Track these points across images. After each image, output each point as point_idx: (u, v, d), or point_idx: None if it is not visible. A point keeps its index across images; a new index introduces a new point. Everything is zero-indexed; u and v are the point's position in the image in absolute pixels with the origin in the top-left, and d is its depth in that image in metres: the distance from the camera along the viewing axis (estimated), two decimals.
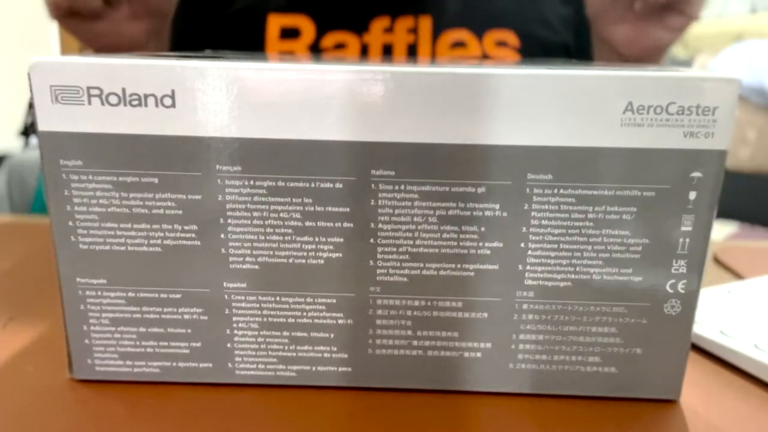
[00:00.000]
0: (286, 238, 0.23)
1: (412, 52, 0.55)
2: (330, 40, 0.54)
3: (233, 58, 0.23)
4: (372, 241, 0.23)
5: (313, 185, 0.22)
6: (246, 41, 0.55)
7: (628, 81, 0.21)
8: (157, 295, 0.24)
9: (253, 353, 0.24)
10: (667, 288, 0.23)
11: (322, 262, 0.23)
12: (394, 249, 0.23)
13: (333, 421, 0.23)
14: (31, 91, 0.21)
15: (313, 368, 0.24)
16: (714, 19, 2.07)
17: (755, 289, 0.34)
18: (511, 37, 0.55)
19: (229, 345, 0.24)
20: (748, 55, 1.56)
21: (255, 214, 0.23)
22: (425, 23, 0.54)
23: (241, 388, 0.25)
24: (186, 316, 0.24)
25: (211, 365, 0.24)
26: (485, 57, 0.54)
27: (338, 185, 0.22)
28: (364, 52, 0.54)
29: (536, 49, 0.56)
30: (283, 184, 0.22)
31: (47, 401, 0.23)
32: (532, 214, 0.22)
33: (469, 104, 0.21)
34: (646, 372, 0.24)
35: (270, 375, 0.25)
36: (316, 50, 0.54)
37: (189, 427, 0.22)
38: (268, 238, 0.23)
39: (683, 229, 0.22)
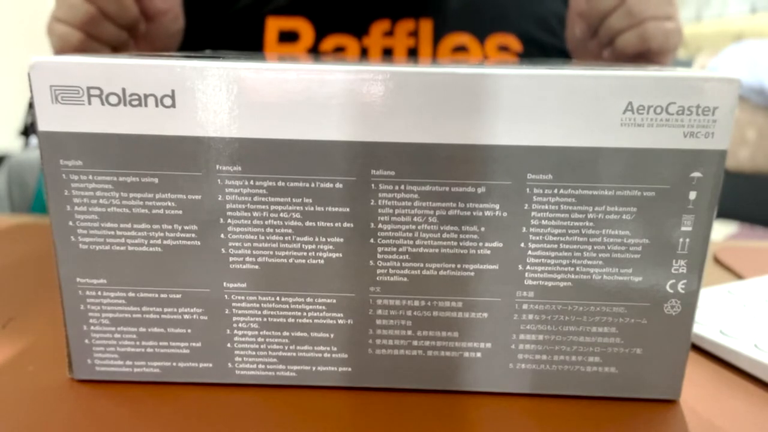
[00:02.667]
0: (286, 238, 0.23)
1: (413, 56, 0.54)
2: (329, 43, 0.54)
3: (233, 58, 0.23)
4: (372, 241, 0.23)
5: (313, 185, 0.22)
6: (244, 44, 0.55)
7: (628, 81, 0.21)
8: (157, 295, 0.24)
9: (253, 353, 0.24)
10: (667, 288, 0.23)
11: (322, 262, 0.23)
12: (394, 249, 0.23)
13: (333, 421, 0.23)
14: (31, 91, 0.21)
15: (313, 368, 0.24)
16: (714, 19, 2.07)
17: (755, 289, 0.34)
18: (513, 42, 0.55)
19: (229, 345, 0.24)
20: (748, 55, 1.56)
21: (255, 214, 0.23)
22: (426, 27, 0.54)
23: (241, 388, 0.25)
24: (186, 316, 0.24)
25: (211, 365, 0.24)
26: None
27: (338, 185, 0.22)
28: (364, 56, 0.54)
29: (538, 53, 0.56)
30: (283, 184, 0.22)
31: (47, 401, 0.23)
32: (532, 214, 0.22)
33: (469, 104, 0.21)
34: (646, 372, 0.24)
35: (270, 375, 0.25)
36: (315, 53, 0.54)
37: (189, 427, 0.22)
38: (268, 238, 0.23)
39: (683, 229, 0.22)
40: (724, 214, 1.48)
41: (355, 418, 0.23)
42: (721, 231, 1.40)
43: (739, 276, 0.39)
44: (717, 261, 0.42)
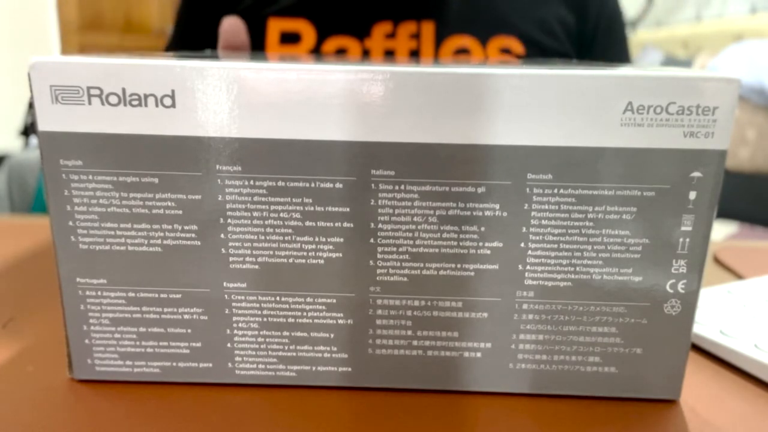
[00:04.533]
0: (286, 238, 0.23)
1: (414, 58, 0.54)
2: (331, 45, 0.54)
3: (233, 58, 0.23)
4: (372, 241, 0.23)
5: (313, 185, 0.22)
6: None
7: (628, 81, 0.21)
8: (157, 295, 0.24)
9: (253, 353, 0.24)
10: (667, 288, 0.23)
11: (322, 262, 0.23)
12: (394, 249, 0.23)
13: (333, 421, 0.23)
14: (31, 91, 0.21)
15: (313, 368, 0.24)
16: (714, 19, 2.07)
17: (755, 289, 0.34)
18: (515, 44, 0.55)
19: (229, 345, 0.24)
20: (748, 55, 1.56)
21: (255, 214, 0.23)
22: (428, 29, 0.54)
23: (241, 388, 0.25)
24: (186, 316, 0.24)
25: (211, 365, 0.24)
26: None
27: (338, 185, 0.22)
28: (366, 58, 0.54)
29: (540, 56, 0.56)
30: (283, 184, 0.22)
31: (47, 401, 0.23)
32: (532, 214, 0.22)
33: (469, 104, 0.21)
34: (646, 372, 0.24)
35: (270, 375, 0.25)
36: (316, 55, 0.54)
37: (189, 428, 0.22)
38: (268, 238, 0.23)
39: (683, 229, 0.22)
40: (724, 214, 1.48)
41: (355, 418, 0.23)
42: (721, 231, 1.40)
43: (739, 276, 0.39)
44: (717, 261, 0.42)
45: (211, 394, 0.24)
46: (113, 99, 0.21)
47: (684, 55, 1.97)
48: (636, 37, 2.26)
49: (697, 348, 0.29)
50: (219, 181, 0.22)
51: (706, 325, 0.29)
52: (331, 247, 0.23)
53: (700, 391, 0.25)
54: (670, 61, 1.94)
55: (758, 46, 1.58)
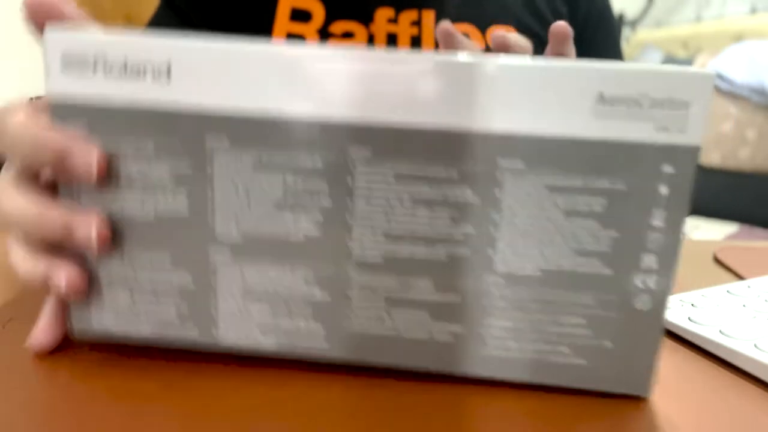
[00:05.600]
0: (267, 212, 0.23)
1: (416, 45, 0.55)
2: (337, 27, 0.54)
3: (228, 38, 0.24)
4: (349, 220, 0.23)
5: (293, 162, 0.23)
6: (255, 18, 0.55)
7: (601, 73, 0.21)
8: (147, 263, 0.24)
9: (236, 322, 0.25)
10: (637, 283, 0.23)
11: (301, 238, 0.23)
12: (370, 229, 0.23)
13: (333, 420, 0.22)
14: (45, 59, 0.23)
15: (293, 341, 0.25)
16: (714, 19, 2.07)
17: (755, 289, 0.34)
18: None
19: (213, 312, 0.24)
20: (748, 55, 1.56)
21: (240, 187, 0.23)
22: (428, 17, 0.55)
23: (242, 386, 0.25)
24: (174, 283, 0.24)
25: (197, 332, 0.25)
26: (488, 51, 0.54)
27: (318, 164, 0.23)
28: (371, 42, 0.54)
29: (537, 47, 0.57)
30: (267, 159, 0.23)
31: (47, 401, 0.23)
32: (503, 200, 0.22)
33: (445, 91, 0.22)
34: (616, 366, 0.24)
35: (252, 344, 0.25)
36: (324, 35, 0.54)
37: (189, 427, 0.22)
38: (251, 210, 0.23)
39: (654, 223, 0.22)
40: (724, 214, 1.48)
41: (354, 416, 0.23)
42: (721, 231, 1.40)
43: (739, 276, 0.39)
44: (717, 261, 0.42)
45: (211, 393, 0.24)
46: (115, 71, 0.22)
47: (684, 55, 1.97)
48: (636, 37, 2.26)
49: (697, 348, 0.29)
50: (208, 153, 0.23)
51: (706, 325, 0.29)
52: (309, 225, 0.23)
53: (700, 392, 0.25)
54: (670, 61, 1.94)
55: (758, 46, 1.58)
